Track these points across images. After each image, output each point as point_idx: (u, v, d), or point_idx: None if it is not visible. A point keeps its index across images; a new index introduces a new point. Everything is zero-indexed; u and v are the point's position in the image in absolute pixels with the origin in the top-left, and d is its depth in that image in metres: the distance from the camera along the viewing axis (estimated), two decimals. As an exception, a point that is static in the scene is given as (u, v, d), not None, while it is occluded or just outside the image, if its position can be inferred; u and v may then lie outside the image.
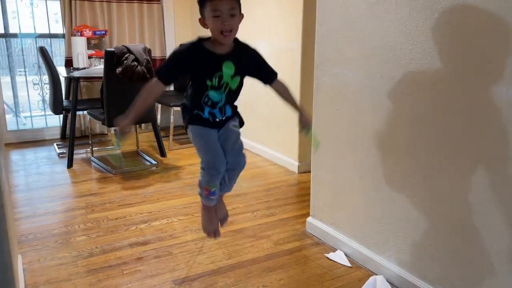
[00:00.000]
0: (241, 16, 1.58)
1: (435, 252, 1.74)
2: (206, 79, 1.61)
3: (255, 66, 1.71)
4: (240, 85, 1.69)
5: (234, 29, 1.55)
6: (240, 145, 1.81)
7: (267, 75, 1.75)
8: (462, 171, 1.60)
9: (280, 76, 1.76)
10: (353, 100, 2.06)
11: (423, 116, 1.72)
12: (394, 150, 1.87)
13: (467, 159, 1.57)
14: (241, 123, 1.82)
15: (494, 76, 1.45)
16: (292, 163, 3.53)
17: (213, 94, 1.64)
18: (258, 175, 3.43)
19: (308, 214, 2.49)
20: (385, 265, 1.97)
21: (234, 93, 1.69)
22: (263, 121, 3.78)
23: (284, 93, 1.78)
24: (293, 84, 3.38)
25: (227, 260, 2.14)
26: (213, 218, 1.90)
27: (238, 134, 1.80)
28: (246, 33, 3.91)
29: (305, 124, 1.77)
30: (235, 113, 1.79)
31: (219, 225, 1.94)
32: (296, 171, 3.47)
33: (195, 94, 1.67)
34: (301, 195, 2.99)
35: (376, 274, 2.00)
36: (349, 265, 2.11)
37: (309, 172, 2.44)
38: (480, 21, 1.47)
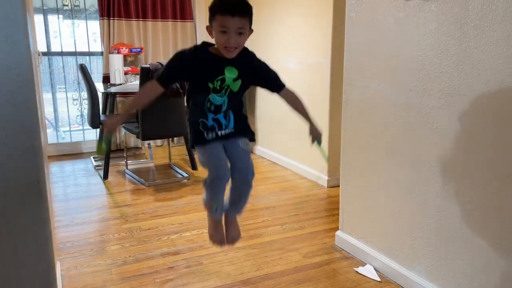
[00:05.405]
0: (251, 31, 1.57)
1: (466, 267, 1.71)
2: (208, 81, 1.59)
3: (260, 74, 1.69)
4: (242, 88, 1.66)
5: (240, 46, 1.55)
6: (251, 163, 1.74)
7: (272, 82, 1.71)
8: (493, 185, 1.57)
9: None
10: (382, 113, 2.06)
11: (455, 129, 1.71)
12: (424, 163, 1.86)
13: (498, 173, 1.55)
14: (252, 134, 1.79)
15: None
16: (321, 177, 3.53)
17: (215, 98, 1.62)
18: (287, 188, 3.45)
19: (337, 228, 2.48)
20: (415, 280, 1.94)
21: (235, 96, 1.66)
22: (292, 135, 3.81)
23: (293, 102, 1.75)
24: (323, 98, 3.41)
25: (256, 272, 2.16)
26: (219, 228, 1.83)
27: (249, 152, 1.77)
28: (276, 50, 4.00)
29: (315, 136, 1.75)
30: (245, 128, 1.75)
31: (229, 242, 1.86)
32: (326, 185, 3.47)
33: (198, 101, 1.66)
34: (330, 209, 2.99)
35: (407, 289, 1.98)
36: (379, 279, 2.09)
37: (339, 186, 2.45)
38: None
